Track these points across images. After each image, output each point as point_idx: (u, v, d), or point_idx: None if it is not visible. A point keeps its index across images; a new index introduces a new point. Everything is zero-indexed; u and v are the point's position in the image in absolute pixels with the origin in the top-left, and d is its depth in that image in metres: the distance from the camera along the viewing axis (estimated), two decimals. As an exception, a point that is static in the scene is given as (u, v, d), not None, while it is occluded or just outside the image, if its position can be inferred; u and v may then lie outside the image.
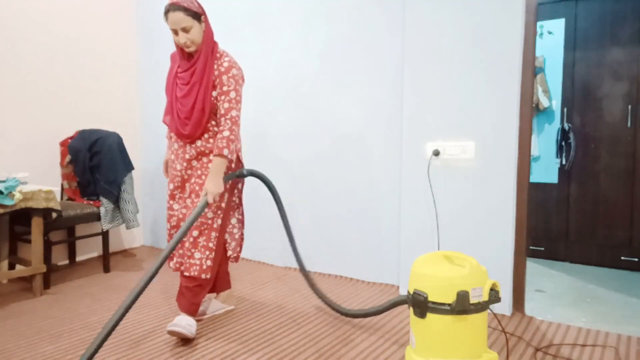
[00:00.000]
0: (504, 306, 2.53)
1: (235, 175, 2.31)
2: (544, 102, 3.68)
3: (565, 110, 3.64)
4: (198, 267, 2.25)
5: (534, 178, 3.77)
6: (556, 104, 3.71)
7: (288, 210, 3.33)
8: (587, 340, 2.23)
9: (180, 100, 2.26)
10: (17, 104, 3.26)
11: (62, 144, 3.44)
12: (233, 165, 2.35)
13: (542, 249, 3.76)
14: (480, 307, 1.70)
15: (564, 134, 3.65)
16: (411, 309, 1.79)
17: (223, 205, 2.31)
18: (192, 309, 2.29)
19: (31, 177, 3.26)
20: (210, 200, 2.13)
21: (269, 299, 2.80)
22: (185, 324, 2.20)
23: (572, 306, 2.73)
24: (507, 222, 2.49)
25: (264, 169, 3.52)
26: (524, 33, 2.45)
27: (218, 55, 2.25)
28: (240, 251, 2.57)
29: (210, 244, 2.27)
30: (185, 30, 2.14)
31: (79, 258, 3.68)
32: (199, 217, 2.18)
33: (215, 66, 2.22)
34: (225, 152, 2.16)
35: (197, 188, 2.28)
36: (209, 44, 2.23)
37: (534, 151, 3.75)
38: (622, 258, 3.46)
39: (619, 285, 3.10)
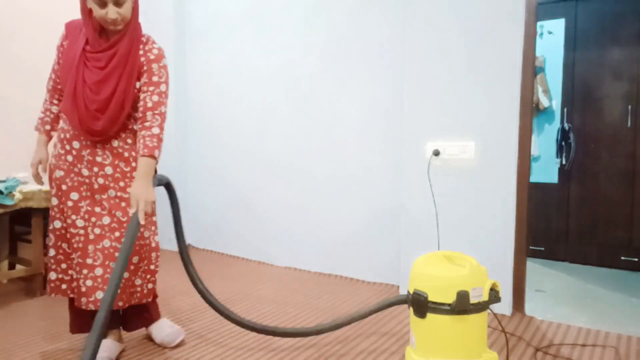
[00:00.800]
0: (504, 306, 2.53)
1: (163, 181, 1.92)
2: (544, 102, 3.68)
3: (565, 110, 3.64)
4: (139, 295, 1.99)
5: (534, 178, 3.77)
6: (556, 104, 3.71)
7: (287, 209, 3.33)
8: (587, 340, 2.23)
9: (91, 86, 1.83)
10: (18, 103, 3.26)
11: (62, 144, 3.44)
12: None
13: (542, 249, 3.76)
14: (480, 307, 1.69)
15: (564, 134, 3.65)
16: (411, 309, 1.79)
17: (154, 218, 1.96)
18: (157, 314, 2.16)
19: (31, 177, 3.26)
20: (148, 210, 1.75)
21: (269, 299, 2.79)
22: (169, 332, 2.12)
23: (572, 306, 2.73)
24: (507, 222, 2.49)
25: (263, 168, 3.52)
26: (524, 33, 2.44)
27: (144, 39, 1.92)
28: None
29: (152, 267, 1.99)
30: (118, 3, 1.78)
31: (79, 258, 3.67)
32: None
33: (142, 52, 1.88)
34: (156, 153, 1.81)
35: (121, 203, 1.89)
36: (137, 23, 1.89)
37: (534, 151, 3.75)
38: (622, 258, 3.46)
39: (619, 285, 3.10)
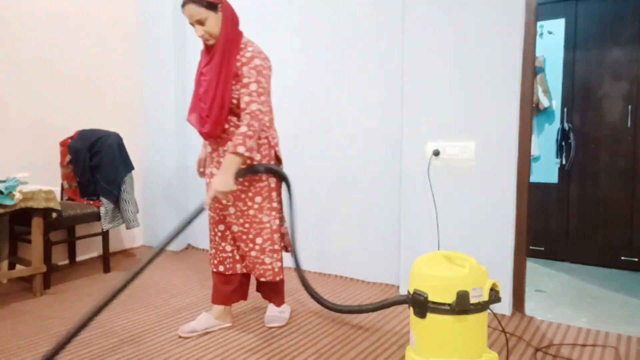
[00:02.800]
0: (504, 306, 2.53)
1: (248, 171, 2.13)
2: (544, 102, 3.68)
3: (565, 110, 3.64)
4: (271, 272, 2.26)
5: (534, 178, 3.77)
6: (556, 104, 3.70)
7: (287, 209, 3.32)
8: (587, 340, 2.23)
9: (201, 97, 2.13)
10: (18, 103, 3.26)
11: (62, 144, 3.44)
12: (272, 163, 2.24)
13: (542, 249, 3.76)
14: (481, 307, 1.69)
15: (564, 134, 3.64)
16: (411, 309, 1.79)
17: (274, 204, 2.24)
18: (280, 301, 2.45)
19: (31, 177, 3.26)
20: (212, 197, 2.03)
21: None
22: (277, 313, 2.41)
23: (572, 306, 2.72)
24: (507, 222, 2.49)
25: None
26: (524, 33, 2.44)
27: (242, 45, 2.11)
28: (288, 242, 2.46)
29: (276, 246, 2.25)
30: (200, 22, 2.03)
31: (79, 258, 3.68)
32: (257, 224, 2.19)
33: (238, 57, 2.08)
34: (240, 149, 2.00)
35: (241, 195, 2.21)
36: (228, 34, 2.08)
37: (534, 151, 3.75)
38: (622, 258, 3.46)
39: (619, 285, 3.10)
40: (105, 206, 3.25)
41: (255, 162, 2.18)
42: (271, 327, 2.38)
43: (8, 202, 2.62)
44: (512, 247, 2.51)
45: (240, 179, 2.16)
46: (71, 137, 3.44)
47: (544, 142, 3.78)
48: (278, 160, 2.30)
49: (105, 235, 3.36)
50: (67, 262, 3.59)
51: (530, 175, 2.79)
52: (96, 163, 3.28)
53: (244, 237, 2.23)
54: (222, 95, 2.06)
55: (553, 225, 3.72)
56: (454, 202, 2.63)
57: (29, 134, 3.35)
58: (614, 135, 3.45)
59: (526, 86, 2.47)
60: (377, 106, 2.99)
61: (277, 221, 2.26)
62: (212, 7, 2.04)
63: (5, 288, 3.04)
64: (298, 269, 2.37)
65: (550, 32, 3.71)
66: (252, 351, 2.12)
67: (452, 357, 1.70)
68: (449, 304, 1.67)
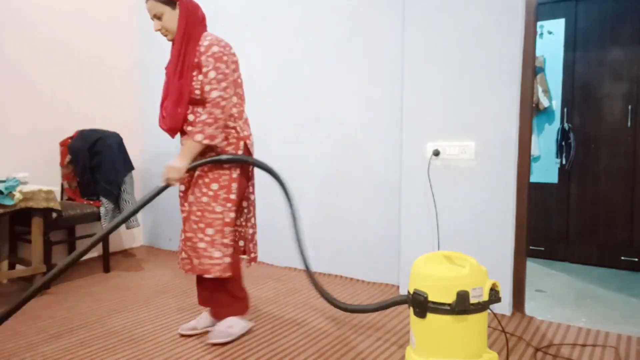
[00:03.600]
0: (504, 306, 2.53)
1: (207, 161, 2.05)
2: (544, 102, 3.68)
3: (565, 110, 3.64)
4: (219, 267, 2.08)
5: (534, 178, 3.77)
6: (556, 104, 3.70)
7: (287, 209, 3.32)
8: (587, 340, 2.23)
9: (163, 95, 2.12)
10: (18, 104, 3.26)
11: (62, 144, 3.45)
12: (240, 152, 2.14)
13: (542, 249, 3.76)
14: (481, 307, 1.69)
15: (564, 134, 3.65)
16: (411, 309, 1.79)
17: (231, 196, 2.10)
18: (225, 311, 2.25)
19: (31, 177, 3.26)
20: (170, 181, 2.00)
21: (269, 299, 2.79)
22: (223, 328, 2.21)
23: (572, 306, 2.73)
24: (507, 222, 2.49)
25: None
26: (524, 33, 2.44)
27: (201, 38, 2.06)
28: (256, 252, 2.35)
29: (226, 240, 2.10)
30: (157, 17, 2.04)
31: (79, 258, 3.67)
32: (209, 213, 2.05)
33: (198, 47, 2.04)
34: (198, 137, 1.97)
35: (194, 189, 2.12)
36: (186, 29, 2.04)
37: (534, 151, 3.75)
38: (622, 258, 3.46)
39: (619, 285, 3.10)
40: (105, 206, 3.25)
41: (225, 153, 2.10)
42: (214, 344, 2.18)
43: (8, 202, 2.62)
44: (512, 247, 2.51)
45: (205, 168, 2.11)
46: (71, 137, 3.44)
47: (544, 142, 3.78)
48: (248, 152, 2.20)
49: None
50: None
51: (530, 175, 2.79)
52: (96, 163, 3.28)
53: (195, 226, 2.09)
54: (178, 88, 2.03)
55: (553, 225, 3.72)
56: (454, 202, 2.63)
57: (29, 134, 3.35)
58: (614, 135, 3.45)
59: (526, 86, 2.47)
60: (377, 106, 2.99)
61: (232, 214, 2.11)
62: (170, 2, 2.04)
63: (5, 288, 3.04)
64: (307, 268, 2.22)
65: (550, 32, 3.71)
66: (252, 351, 2.12)
67: (452, 357, 1.69)
68: (449, 304, 1.67)
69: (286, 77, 3.35)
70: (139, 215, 4.10)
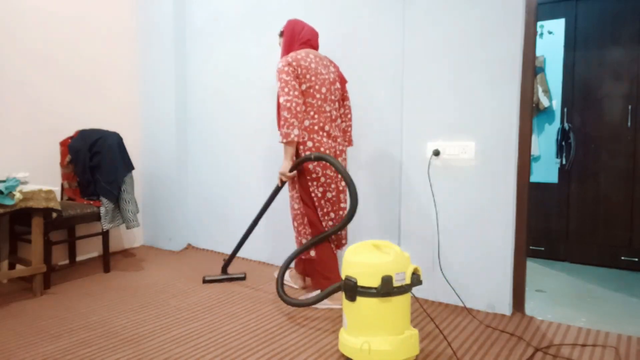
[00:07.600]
0: (504, 306, 2.53)
1: (303, 159, 2.49)
2: (544, 102, 3.68)
3: (565, 110, 3.64)
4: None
5: (534, 178, 3.77)
6: (556, 103, 3.71)
7: (287, 210, 3.32)
8: (587, 340, 2.23)
9: None
10: (18, 104, 3.26)
11: (62, 144, 3.45)
12: (302, 149, 2.57)
13: (542, 249, 3.76)
14: (403, 289, 1.91)
15: (564, 134, 3.65)
16: (343, 294, 1.98)
17: (295, 194, 2.64)
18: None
19: (31, 177, 3.26)
20: (283, 180, 2.58)
21: (269, 299, 2.80)
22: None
23: (572, 306, 2.73)
24: (507, 222, 2.49)
25: (263, 169, 3.52)
26: (524, 33, 2.45)
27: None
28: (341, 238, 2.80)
29: (308, 229, 2.63)
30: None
31: (79, 258, 3.68)
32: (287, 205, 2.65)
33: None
34: (279, 139, 2.52)
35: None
36: (282, 54, 2.70)
37: (534, 151, 3.75)
38: (622, 258, 3.46)
39: (619, 285, 3.10)
40: (105, 206, 3.25)
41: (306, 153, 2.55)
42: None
43: (8, 202, 2.62)
44: (512, 247, 2.51)
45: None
46: (71, 137, 3.44)
47: (544, 142, 3.78)
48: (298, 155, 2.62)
49: (105, 235, 3.36)
50: (67, 262, 3.59)
51: (530, 175, 2.79)
52: (96, 163, 3.28)
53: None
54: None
55: (553, 225, 3.72)
56: (454, 202, 2.63)
57: (29, 134, 3.35)
58: (614, 135, 3.45)
59: (526, 86, 2.47)
60: (377, 106, 2.99)
61: (300, 204, 2.66)
62: (281, 34, 2.78)
63: (5, 288, 3.05)
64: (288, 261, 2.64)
65: (550, 32, 3.71)
66: (252, 351, 2.12)
67: (379, 334, 1.91)
68: (375, 288, 1.88)
69: (286, 77, 3.35)
70: (139, 215, 4.10)
